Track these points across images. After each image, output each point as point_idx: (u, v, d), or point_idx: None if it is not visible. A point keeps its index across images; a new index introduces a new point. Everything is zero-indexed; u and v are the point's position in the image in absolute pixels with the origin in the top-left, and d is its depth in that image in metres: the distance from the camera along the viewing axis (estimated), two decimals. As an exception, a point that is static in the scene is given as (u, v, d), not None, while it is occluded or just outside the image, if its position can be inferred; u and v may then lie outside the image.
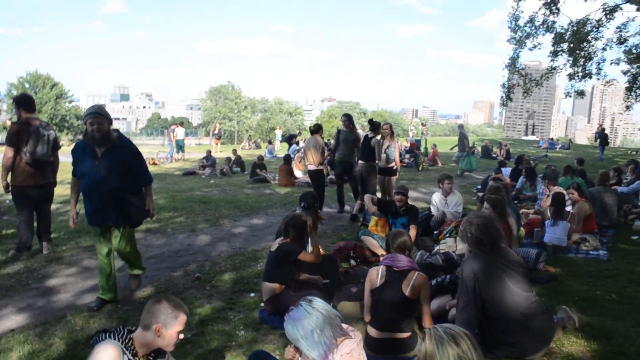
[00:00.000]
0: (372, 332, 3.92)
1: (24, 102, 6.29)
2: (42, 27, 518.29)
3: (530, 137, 60.54)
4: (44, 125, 6.26)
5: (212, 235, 7.81)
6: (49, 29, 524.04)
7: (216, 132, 29.10)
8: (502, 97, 21.33)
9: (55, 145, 6.43)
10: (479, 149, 26.38)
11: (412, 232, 6.45)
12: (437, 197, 8.18)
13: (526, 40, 20.20)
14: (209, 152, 18.95)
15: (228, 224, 8.57)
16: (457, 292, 3.97)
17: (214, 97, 76.45)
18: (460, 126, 20.68)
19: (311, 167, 9.10)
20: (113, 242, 4.96)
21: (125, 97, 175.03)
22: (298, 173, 14.58)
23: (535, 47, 20.40)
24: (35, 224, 6.62)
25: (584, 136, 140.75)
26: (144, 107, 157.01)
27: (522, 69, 21.42)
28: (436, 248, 6.38)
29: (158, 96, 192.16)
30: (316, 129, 9.29)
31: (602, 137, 28.24)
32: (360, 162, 9.30)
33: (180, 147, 22.62)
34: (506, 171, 14.04)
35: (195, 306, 4.90)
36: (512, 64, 20.78)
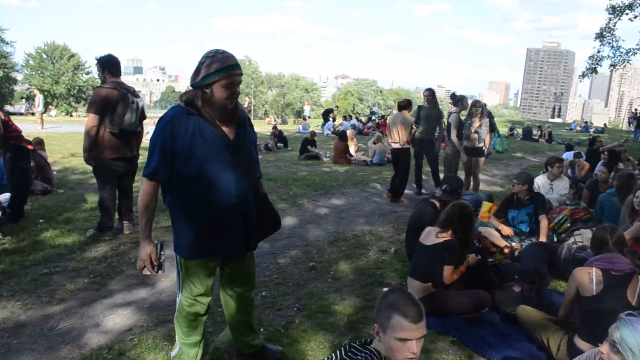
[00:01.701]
0: (583, 345, 3.22)
1: (109, 64, 5.56)
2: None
3: (556, 120, 59.27)
4: (131, 91, 5.56)
5: (297, 217, 7.11)
6: (64, 1, 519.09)
7: (245, 106, 28.34)
8: (586, 68, 20.21)
9: (143, 114, 5.74)
10: (519, 130, 25.45)
11: (544, 223, 5.70)
12: (540, 181, 7.42)
13: (627, 10, 18.94)
14: (250, 126, 18.18)
15: (308, 204, 7.87)
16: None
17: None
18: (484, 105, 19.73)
19: (395, 145, 8.34)
20: (230, 279, 3.09)
21: (138, 70, 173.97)
22: (352, 151, 13.85)
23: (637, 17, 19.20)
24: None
25: (600, 120, 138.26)
26: (158, 80, 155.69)
27: (617, 41, 20.27)
28: (570, 240, 5.65)
29: (171, 70, 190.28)
30: (405, 105, 8.49)
31: (638, 120, 27.81)
32: (448, 140, 8.55)
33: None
34: (568, 155, 13.19)
35: (330, 303, 4.24)
36: (602, 34, 19.64)
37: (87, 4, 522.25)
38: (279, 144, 16.21)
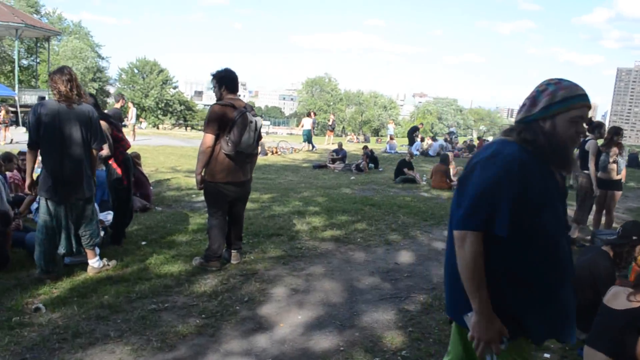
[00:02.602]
0: None
1: (227, 80, 5.11)
2: (149, 18, 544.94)
3: (657, 144, 54.99)
4: (249, 109, 5.06)
5: (413, 252, 6.35)
6: (155, 20, 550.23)
7: (330, 123, 27.93)
8: None
9: (260, 135, 5.24)
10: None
11: None
12: None
13: None
14: (340, 144, 17.71)
15: (422, 237, 7.09)
16: None
17: (310, 88, 76.08)
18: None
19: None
20: None
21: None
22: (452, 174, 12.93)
23: None
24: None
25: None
26: (239, 95, 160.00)
27: None
28: None
29: (251, 85, 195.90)
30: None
31: None
32: (582, 171, 7.50)
33: (307, 137, 21.63)
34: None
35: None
36: None
37: (176, 22, 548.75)
38: (370, 164, 15.55)
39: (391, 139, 24.79)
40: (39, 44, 35.11)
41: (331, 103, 71.74)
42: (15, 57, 29.47)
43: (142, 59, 59.07)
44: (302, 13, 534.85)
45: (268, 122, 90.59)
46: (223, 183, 5.02)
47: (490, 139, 21.57)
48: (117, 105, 12.58)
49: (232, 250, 5.46)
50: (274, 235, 6.63)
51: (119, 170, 5.78)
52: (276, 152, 18.99)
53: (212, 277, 5.04)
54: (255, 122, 5.01)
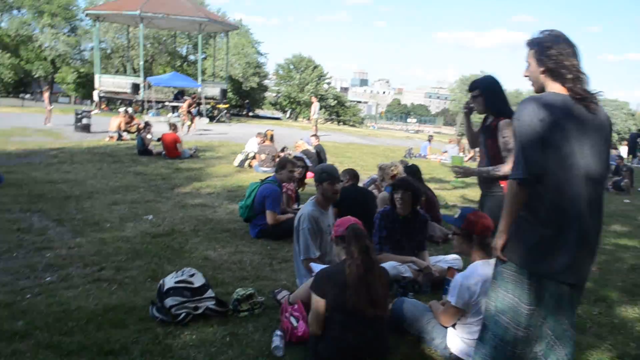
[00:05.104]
0: None
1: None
2: (295, 17, 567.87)
3: None
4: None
5: None
6: (301, 19, 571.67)
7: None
8: None
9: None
10: None
11: None
12: None
13: None
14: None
15: None
16: None
17: (464, 86, 72.72)
18: None
19: None
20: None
21: (364, 82, 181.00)
22: None
23: None
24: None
25: None
26: (384, 92, 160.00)
27: None
28: None
29: (395, 83, 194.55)
30: None
31: None
32: None
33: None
34: None
35: None
36: None
37: (321, 22, 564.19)
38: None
39: (614, 148, 21.93)
40: (204, 41, 37.01)
41: (487, 102, 67.89)
42: (199, 49, 31.15)
43: (297, 55, 60.46)
44: (446, 9, 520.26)
45: (415, 120, 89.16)
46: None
47: None
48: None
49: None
50: None
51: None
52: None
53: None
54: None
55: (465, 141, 19.82)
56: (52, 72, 47.19)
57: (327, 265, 3.86)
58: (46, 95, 19.94)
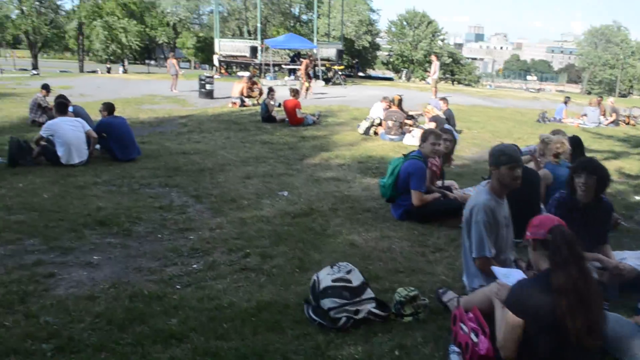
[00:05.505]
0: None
1: None
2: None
3: None
4: None
5: None
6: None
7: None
8: None
9: None
10: None
11: None
12: None
13: None
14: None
15: None
16: None
17: (594, 39, 66.01)
18: None
19: None
20: None
21: (479, 37, 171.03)
22: None
23: None
24: None
25: None
26: (501, 47, 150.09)
27: None
28: None
29: (513, 37, 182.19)
30: None
31: None
32: None
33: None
34: None
35: None
36: None
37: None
38: None
39: None
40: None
41: (621, 57, 61.24)
42: (314, 7, 30.72)
43: (411, 11, 58.03)
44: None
45: (535, 78, 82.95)
46: None
47: None
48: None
49: None
50: None
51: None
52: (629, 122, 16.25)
53: None
54: None
55: (607, 102, 17.71)
56: (174, 37, 49.30)
57: (517, 272, 3.24)
58: (174, 61, 20.17)
